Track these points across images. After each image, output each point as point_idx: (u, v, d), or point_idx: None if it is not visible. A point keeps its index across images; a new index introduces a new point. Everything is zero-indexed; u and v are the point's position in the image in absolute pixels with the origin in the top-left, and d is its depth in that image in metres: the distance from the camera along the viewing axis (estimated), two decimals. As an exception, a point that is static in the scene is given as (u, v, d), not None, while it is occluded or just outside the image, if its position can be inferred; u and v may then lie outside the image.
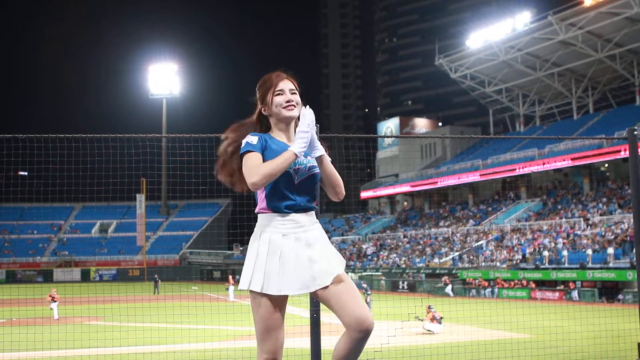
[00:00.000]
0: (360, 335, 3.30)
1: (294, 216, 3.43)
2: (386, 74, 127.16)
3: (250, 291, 3.42)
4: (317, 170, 3.52)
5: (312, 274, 3.34)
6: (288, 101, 3.50)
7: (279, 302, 3.40)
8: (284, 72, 3.61)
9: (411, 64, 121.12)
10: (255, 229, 3.52)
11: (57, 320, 22.90)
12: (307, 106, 3.47)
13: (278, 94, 3.51)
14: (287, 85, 3.54)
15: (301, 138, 3.35)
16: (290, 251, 3.38)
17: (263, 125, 3.62)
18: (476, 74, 59.30)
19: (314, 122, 3.40)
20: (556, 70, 53.94)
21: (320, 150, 3.48)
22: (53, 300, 24.24)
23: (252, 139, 3.45)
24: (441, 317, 17.92)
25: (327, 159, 3.52)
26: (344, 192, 3.58)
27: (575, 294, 31.75)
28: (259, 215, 3.51)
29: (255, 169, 3.32)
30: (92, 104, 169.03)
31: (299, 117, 3.54)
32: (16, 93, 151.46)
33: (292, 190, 3.44)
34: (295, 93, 3.55)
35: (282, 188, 3.42)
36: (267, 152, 3.43)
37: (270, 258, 3.37)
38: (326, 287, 3.36)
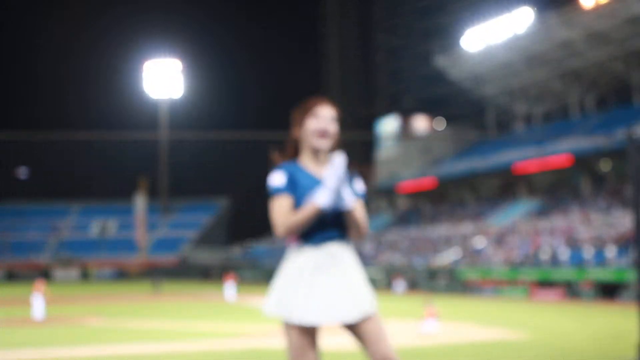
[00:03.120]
0: None
1: (328, 247, 3.34)
2: (385, 73, 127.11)
3: (283, 322, 3.33)
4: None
5: (339, 306, 3.27)
6: (322, 130, 3.36)
7: (309, 333, 3.31)
8: (327, 99, 3.48)
9: (410, 64, 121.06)
10: (287, 257, 3.41)
11: (40, 323, 21.15)
12: (340, 155, 3.26)
13: (314, 120, 3.38)
14: (326, 111, 3.39)
15: (325, 192, 3.22)
16: (321, 282, 3.29)
17: (294, 150, 3.49)
18: (475, 73, 59.31)
19: (342, 174, 3.21)
20: (555, 69, 53.95)
21: (348, 204, 3.29)
22: (37, 294, 23.29)
23: (278, 178, 3.34)
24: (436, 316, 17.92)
25: (353, 211, 3.34)
26: (365, 236, 3.48)
27: (584, 292, 31.51)
28: (290, 245, 3.41)
29: (282, 219, 3.25)
30: (92, 102, 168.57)
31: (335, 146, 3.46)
32: (15, 91, 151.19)
33: (326, 224, 3.34)
34: (334, 122, 3.41)
35: (315, 223, 3.33)
36: (297, 190, 3.33)
37: (301, 288, 3.29)
38: (355, 324, 3.32)
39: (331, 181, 3.20)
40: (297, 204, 3.32)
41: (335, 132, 3.41)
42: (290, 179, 3.35)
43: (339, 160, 3.21)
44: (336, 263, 3.33)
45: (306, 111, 3.40)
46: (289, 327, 3.30)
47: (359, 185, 3.48)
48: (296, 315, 3.26)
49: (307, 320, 3.25)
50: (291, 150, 3.49)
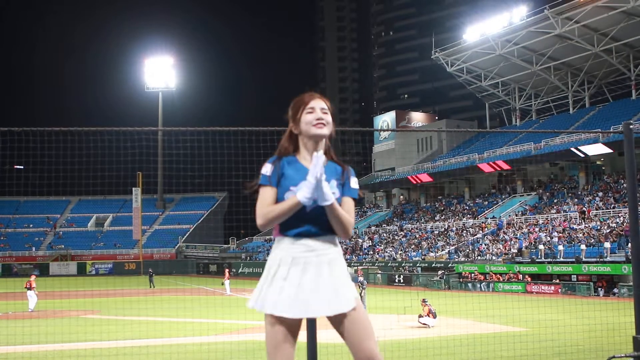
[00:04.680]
0: None
1: (306, 241, 3.38)
2: (382, 67, 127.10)
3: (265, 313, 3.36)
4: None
5: (311, 301, 3.28)
6: (318, 119, 3.43)
7: (285, 325, 3.32)
8: (317, 92, 3.56)
9: (408, 58, 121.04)
10: (271, 250, 3.50)
11: (30, 314, 22.11)
12: (319, 152, 3.31)
13: (309, 112, 3.45)
14: (318, 104, 3.48)
15: (306, 187, 3.26)
16: (296, 275, 3.32)
17: (293, 145, 3.54)
18: (472, 67, 59.28)
19: (322, 172, 3.24)
20: (552, 64, 53.94)
21: (328, 200, 3.28)
22: (29, 288, 23.44)
23: (267, 168, 3.42)
24: (435, 311, 17.95)
25: (334, 207, 3.30)
26: (350, 234, 3.42)
27: (580, 286, 31.49)
28: (274, 237, 3.49)
29: (262, 210, 3.31)
30: (89, 97, 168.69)
31: (330, 138, 3.52)
32: (12, 86, 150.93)
33: (304, 218, 3.37)
34: (327, 113, 3.48)
35: (293, 216, 3.36)
36: (283, 180, 3.38)
37: (277, 279, 3.34)
38: (337, 321, 3.33)
39: (311, 176, 3.25)
40: (281, 196, 3.37)
41: (330, 121, 3.49)
42: (278, 171, 3.40)
43: (316, 155, 3.24)
44: (313, 258, 3.35)
45: (301, 106, 3.48)
46: (266, 317, 3.35)
47: (353, 183, 3.49)
48: (268, 306, 3.30)
49: (278, 311, 3.28)
50: (290, 147, 3.54)
